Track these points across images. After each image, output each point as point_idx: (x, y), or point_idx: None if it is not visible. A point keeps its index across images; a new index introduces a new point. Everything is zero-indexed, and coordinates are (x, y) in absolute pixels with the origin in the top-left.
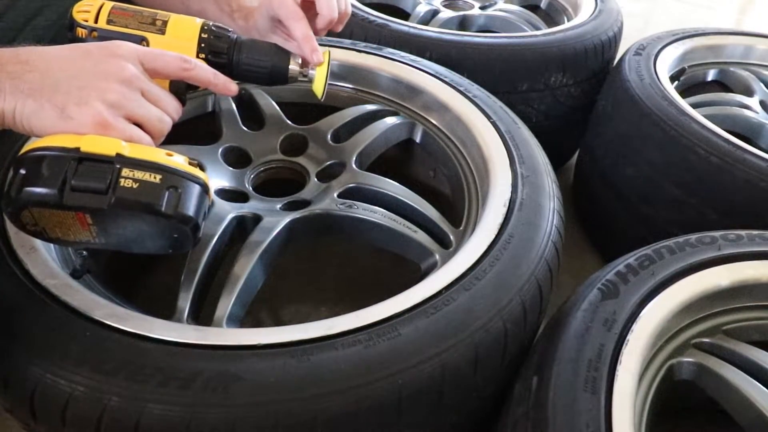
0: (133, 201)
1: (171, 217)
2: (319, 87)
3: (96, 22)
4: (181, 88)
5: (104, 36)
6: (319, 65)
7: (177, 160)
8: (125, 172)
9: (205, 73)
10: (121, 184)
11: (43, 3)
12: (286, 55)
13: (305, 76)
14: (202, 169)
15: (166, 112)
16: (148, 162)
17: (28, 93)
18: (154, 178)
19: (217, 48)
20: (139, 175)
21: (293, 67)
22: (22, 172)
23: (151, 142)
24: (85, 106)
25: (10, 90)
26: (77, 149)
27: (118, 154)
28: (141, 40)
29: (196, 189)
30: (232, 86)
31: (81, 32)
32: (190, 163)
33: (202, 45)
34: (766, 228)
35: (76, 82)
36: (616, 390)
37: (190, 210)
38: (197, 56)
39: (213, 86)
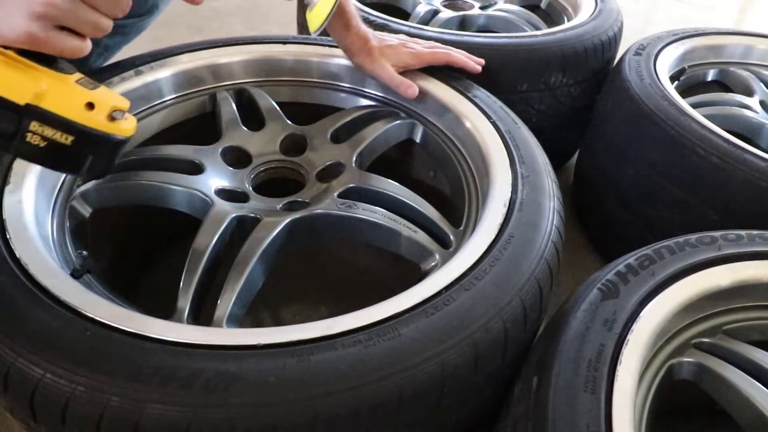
0: (38, 159)
1: (78, 175)
2: (315, 19)
3: None
4: None
5: None
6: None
7: (96, 116)
8: (34, 126)
9: None
10: (27, 139)
11: None
12: None
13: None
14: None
15: (108, 12)
16: (62, 119)
17: None
18: (65, 139)
19: None
20: (48, 132)
21: None
22: None
23: (88, 48)
24: (12, 23)
25: None
26: None
27: (28, 105)
28: None
29: (107, 148)
30: None
31: None
32: (114, 109)
33: None
34: (766, 228)
35: None
36: (616, 390)
37: (97, 170)
38: None
39: None
